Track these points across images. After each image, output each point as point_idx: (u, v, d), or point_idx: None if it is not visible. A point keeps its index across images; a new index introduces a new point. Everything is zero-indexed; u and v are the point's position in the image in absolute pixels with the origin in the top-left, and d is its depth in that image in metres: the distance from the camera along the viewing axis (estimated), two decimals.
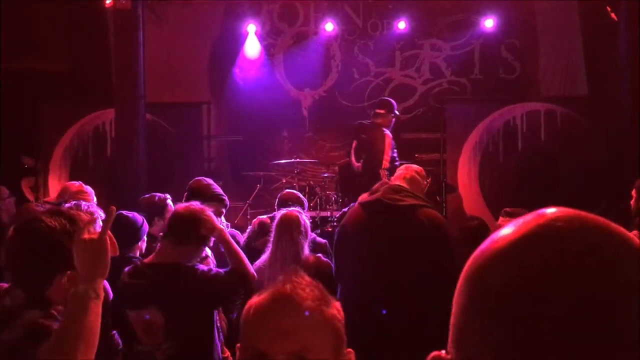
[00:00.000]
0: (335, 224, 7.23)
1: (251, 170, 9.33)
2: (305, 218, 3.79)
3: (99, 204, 4.32)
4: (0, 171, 7.88)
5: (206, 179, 4.10)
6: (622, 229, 0.68)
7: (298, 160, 8.60)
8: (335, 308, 1.29)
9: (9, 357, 1.95)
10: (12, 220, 4.28)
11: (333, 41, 10.30)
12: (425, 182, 3.91)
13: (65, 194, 4.02)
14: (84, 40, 9.51)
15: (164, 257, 3.11)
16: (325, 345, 1.24)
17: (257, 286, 3.65)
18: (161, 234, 3.47)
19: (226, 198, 3.97)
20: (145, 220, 3.90)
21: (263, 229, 4.31)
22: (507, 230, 0.70)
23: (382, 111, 7.76)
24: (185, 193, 4.18)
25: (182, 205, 3.31)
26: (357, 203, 3.90)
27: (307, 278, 1.30)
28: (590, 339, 0.62)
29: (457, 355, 0.70)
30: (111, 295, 2.86)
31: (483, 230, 4.45)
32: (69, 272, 2.05)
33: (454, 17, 10.09)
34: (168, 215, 3.67)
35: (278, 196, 4.87)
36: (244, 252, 3.39)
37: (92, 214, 3.18)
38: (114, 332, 2.92)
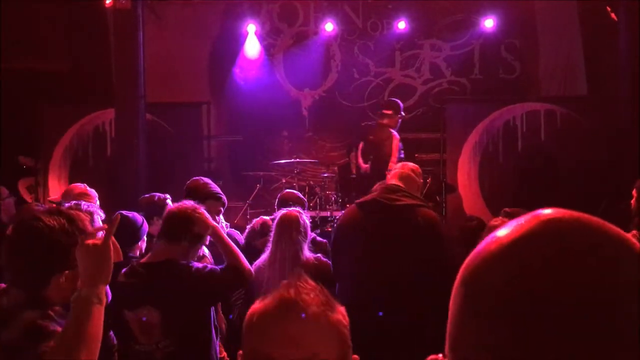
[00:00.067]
0: (335, 224, 7.23)
1: (251, 170, 9.33)
2: (305, 218, 3.78)
3: (99, 205, 4.33)
4: (0, 171, 7.88)
5: (204, 178, 4.10)
6: (620, 230, 0.68)
7: (298, 160, 8.60)
8: (340, 313, 1.26)
9: (6, 357, 1.95)
10: (12, 220, 4.29)
11: (333, 41, 10.30)
12: (421, 180, 3.90)
13: (69, 196, 4.02)
14: (84, 40, 9.51)
15: (159, 256, 3.11)
16: (331, 352, 1.22)
17: (257, 286, 3.67)
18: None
19: (223, 196, 3.96)
20: (145, 220, 3.90)
21: (265, 229, 4.31)
22: (504, 231, 0.70)
23: (389, 112, 7.75)
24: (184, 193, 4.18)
25: (175, 204, 3.31)
26: (353, 203, 3.91)
27: (311, 282, 1.27)
28: (590, 339, 0.62)
29: (454, 358, 0.71)
30: (110, 296, 2.86)
31: (483, 231, 4.44)
32: (67, 271, 2.05)
33: (454, 17, 10.09)
34: None
35: (278, 196, 4.87)
36: (243, 251, 3.39)
37: (91, 213, 3.19)
38: (110, 332, 2.91)
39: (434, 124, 9.77)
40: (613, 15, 8.35)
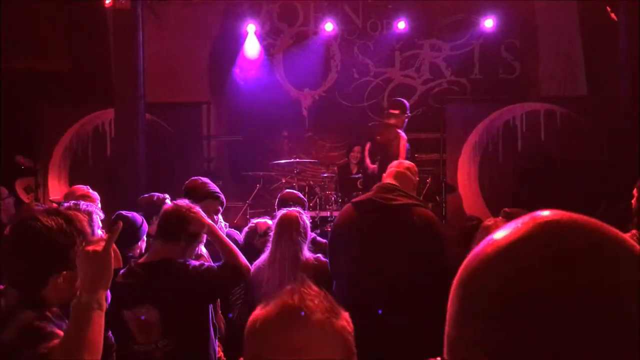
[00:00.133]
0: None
1: (251, 170, 9.33)
2: (305, 218, 3.78)
3: (100, 206, 4.33)
4: (0, 171, 7.88)
5: (202, 178, 4.09)
6: (618, 231, 0.68)
7: (298, 160, 8.60)
8: (345, 319, 1.24)
9: (4, 358, 1.95)
10: (12, 220, 4.29)
11: (333, 41, 10.30)
12: (417, 178, 3.89)
13: (71, 197, 4.03)
14: (84, 40, 9.51)
15: (156, 255, 3.11)
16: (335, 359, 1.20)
17: (257, 286, 3.67)
18: None
19: (221, 195, 3.96)
20: (144, 220, 3.90)
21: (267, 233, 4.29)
22: (501, 233, 0.70)
23: (396, 112, 7.74)
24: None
25: (169, 204, 3.30)
26: (349, 203, 3.90)
27: (315, 287, 1.25)
28: (590, 339, 0.62)
29: None
30: (109, 297, 2.86)
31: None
32: (65, 272, 2.05)
33: (454, 17, 10.09)
34: None
35: (278, 196, 4.86)
36: (243, 251, 3.38)
37: (90, 213, 3.19)
38: (109, 332, 2.92)
39: (433, 124, 9.77)
40: (613, 15, 8.36)
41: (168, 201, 4.16)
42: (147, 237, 3.96)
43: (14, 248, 2.11)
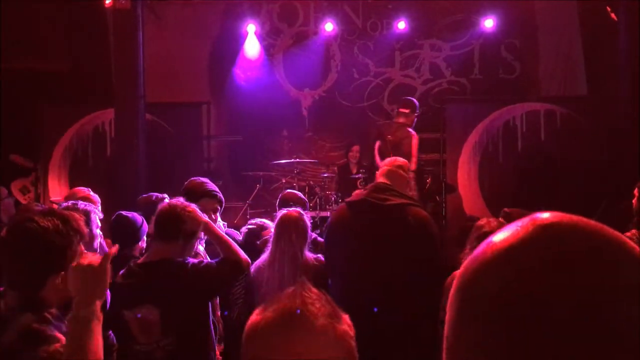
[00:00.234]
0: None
1: (251, 170, 9.33)
2: (305, 218, 3.78)
3: (101, 208, 4.33)
4: (0, 171, 7.89)
5: (201, 178, 4.09)
6: (618, 233, 0.68)
7: (298, 160, 8.60)
8: (346, 323, 1.22)
9: None
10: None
11: (333, 41, 10.30)
12: (410, 175, 3.88)
13: (72, 199, 4.03)
14: (84, 40, 9.51)
15: (155, 255, 3.11)
16: None
17: (257, 285, 3.67)
18: None
19: (219, 194, 3.94)
20: (144, 220, 3.90)
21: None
22: (500, 236, 0.70)
23: (406, 110, 7.73)
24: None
25: (164, 203, 3.29)
26: (343, 202, 3.90)
27: (315, 290, 1.22)
28: (590, 341, 0.62)
29: None
30: (108, 293, 2.86)
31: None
32: (63, 272, 2.05)
33: (454, 17, 10.09)
34: None
35: (279, 196, 4.87)
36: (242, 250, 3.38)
37: (88, 213, 3.19)
38: (110, 332, 2.92)
39: (434, 124, 9.76)
40: (613, 15, 8.36)
41: (166, 201, 4.16)
42: (146, 236, 3.96)
43: (11, 250, 2.11)
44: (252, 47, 10.16)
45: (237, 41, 10.12)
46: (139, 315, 2.98)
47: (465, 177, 9.10)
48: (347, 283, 3.57)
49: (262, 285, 3.62)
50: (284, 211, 3.79)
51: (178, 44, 9.88)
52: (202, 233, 3.30)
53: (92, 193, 4.27)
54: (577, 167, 8.59)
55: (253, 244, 4.19)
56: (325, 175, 8.86)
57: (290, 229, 3.66)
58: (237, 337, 1.26)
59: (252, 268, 3.61)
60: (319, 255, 3.80)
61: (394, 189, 3.63)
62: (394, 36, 10.20)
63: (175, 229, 3.07)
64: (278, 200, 4.76)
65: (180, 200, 3.22)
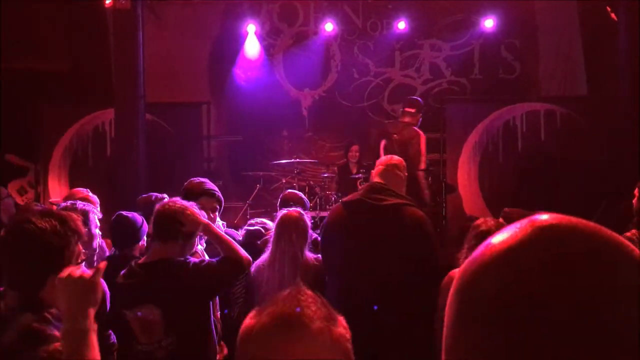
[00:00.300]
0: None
1: (251, 170, 9.32)
2: (306, 219, 3.78)
3: (100, 208, 4.33)
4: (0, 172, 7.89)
5: (200, 178, 4.09)
6: (617, 235, 0.68)
7: (298, 160, 8.60)
8: (342, 326, 1.20)
9: None
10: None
11: (333, 41, 10.30)
12: (405, 174, 3.87)
13: (70, 200, 4.04)
14: (84, 40, 9.51)
15: (156, 255, 3.11)
16: None
17: (257, 285, 3.67)
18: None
19: (218, 192, 3.94)
20: (144, 221, 3.90)
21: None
22: (499, 237, 0.70)
23: (412, 110, 7.72)
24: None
25: (161, 204, 3.28)
26: (339, 202, 3.89)
27: (310, 293, 1.21)
28: (589, 343, 0.62)
29: None
30: (107, 293, 2.86)
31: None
32: None
33: (454, 17, 10.09)
34: None
35: (280, 196, 4.87)
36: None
37: (86, 212, 3.19)
38: (110, 331, 2.92)
39: (434, 124, 9.76)
40: (613, 15, 8.36)
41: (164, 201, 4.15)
42: (146, 237, 3.96)
43: (10, 250, 2.12)
44: (252, 47, 10.16)
45: (237, 41, 10.12)
46: (140, 315, 2.98)
47: (465, 177, 9.11)
48: (343, 283, 3.57)
49: (262, 285, 3.62)
50: (284, 211, 3.79)
51: (178, 44, 9.88)
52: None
53: (90, 194, 4.27)
54: (577, 167, 8.60)
55: (253, 244, 4.19)
56: (326, 175, 8.86)
57: (290, 229, 3.67)
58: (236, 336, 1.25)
59: (253, 268, 3.61)
60: (319, 255, 3.80)
61: (389, 188, 3.62)
62: (394, 36, 10.20)
63: (174, 229, 3.07)
64: (279, 200, 4.76)
65: (177, 200, 3.22)
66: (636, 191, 3.93)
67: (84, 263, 2.94)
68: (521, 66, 10.15)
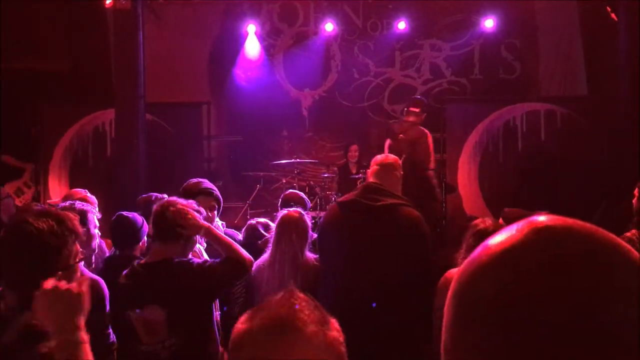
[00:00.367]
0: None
1: (251, 170, 9.33)
2: (306, 219, 3.77)
3: (99, 205, 4.34)
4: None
5: (198, 178, 4.09)
6: (614, 236, 0.69)
7: (298, 160, 8.60)
8: (335, 329, 1.19)
9: (5, 359, 1.95)
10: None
11: (333, 41, 10.30)
12: (401, 172, 3.86)
13: (69, 200, 4.04)
14: (84, 40, 9.51)
15: (158, 255, 3.11)
16: None
17: (257, 285, 3.67)
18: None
19: (215, 191, 3.93)
20: (145, 221, 3.90)
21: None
22: (497, 239, 0.70)
23: (417, 109, 7.71)
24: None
25: (159, 204, 3.26)
26: (334, 203, 3.89)
27: (303, 296, 1.20)
28: (587, 344, 0.62)
29: None
30: (106, 291, 2.87)
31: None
32: (60, 272, 2.06)
33: (454, 17, 10.09)
34: None
35: (281, 196, 4.87)
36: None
37: (85, 212, 3.19)
38: (109, 330, 2.92)
39: (434, 124, 9.75)
40: (613, 15, 8.36)
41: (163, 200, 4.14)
42: (146, 237, 3.96)
43: (8, 251, 2.12)
44: (252, 47, 10.16)
45: (237, 41, 10.12)
46: (143, 315, 2.98)
47: (466, 177, 9.11)
48: (340, 283, 3.58)
49: (263, 285, 3.63)
50: (284, 211, 3.79)
51: (178, 44, 9.88)
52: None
53: (89, 194, 4.27)
54: (577, 167, 8.59)
55: (253, 244, 4.19)
56: (326, 175, 8.86)
57: (290, 229, 3.67)
58: None
59: (253, 267, 3.60)
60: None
61: (384, 188, 3.62)
62: (394, 36, 10.20)
63: (175, 230, 3.07)
64: (280, 200, 4.76)
65: (176, 199, 3.20)
66: (636, 191, 3.93)
67: (82, 263, 2.95)
68: (521, 66, 10.15)
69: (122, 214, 3.89)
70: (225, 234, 3.92)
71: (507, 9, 9.74)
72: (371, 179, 3.71)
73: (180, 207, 3.11)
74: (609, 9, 8.51)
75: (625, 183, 4.67)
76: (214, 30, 10.26)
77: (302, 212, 3.82)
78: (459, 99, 9.96)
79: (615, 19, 8.26)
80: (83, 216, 3.12)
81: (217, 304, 3.70)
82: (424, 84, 10.31)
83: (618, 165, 7.73)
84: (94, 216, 3.32)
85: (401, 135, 7.76)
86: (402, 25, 9.98)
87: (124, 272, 3.14)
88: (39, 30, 9.44)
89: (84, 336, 1.74)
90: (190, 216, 3.09)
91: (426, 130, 7.61)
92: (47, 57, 9.46)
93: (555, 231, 0.68)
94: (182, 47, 9.91)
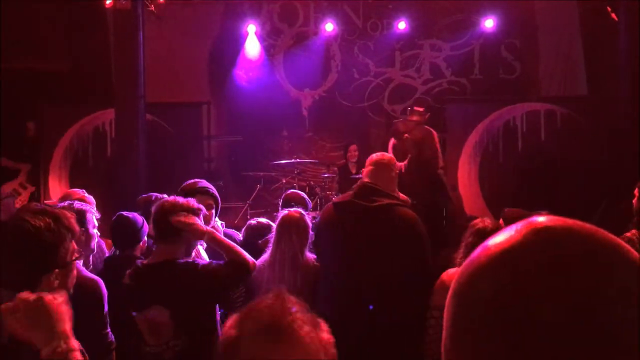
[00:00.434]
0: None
1: (251, 170, 9.32)
2: (306, 219, 3.77)
3: (98, 204, 4.33)
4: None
5: (197, 179, 4.09)
6: (613, 237, 0.69)
7: (298, 160, 8.59)
8: (326, 330, 1.19)
9: (3, 357, 1.95)
10: None
11: (333, 41, 10.30)
12: (396, 171, 3.85)
13: (66, 200, 4.04)
14: (84, 40, 9.51)
15: (161, 256, 3.11)
16: None
17: (257, 285, 3.66)
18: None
19: (211, 189, 3.93)
20: (145, 221, 3.90)
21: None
22: (496, 239, 0.70)
23: (421, 109, 7.72)
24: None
25: (160, 202, 3.25)
26: (330, 203, 3.88)
27: (293, 299, 1.19)
28: (586, 344, 0.62)
29: None
30: (105, 292, 2.86)
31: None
32: (57, 270, 2.08)
33: (454, 17, 10.09)
34: None
35: (282, 196, 4.87)
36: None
37: (83, 213, 3.19)
38: (108, 330, 2.92)
39: (434, 124, 9.74)
40: (613, 15, 8.35)
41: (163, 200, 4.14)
42: (147, 237, 3.96)
43: (5, 250, 2.12)
44: (252, 47, 10.16)
45: (237, 41, 10.12)
46: (152, 316, 2.98)
47: (466, 177, 9.11)
48: (336, 284, 3.58)
49: (263, 286, 3.62)
50: (285, 212, 3.79)
51: (178, 44, 9.88)
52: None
53: (86, 194, 4.27)
54: (577, 167, 8.59)
55: (254, 243, 4.19)
56: (326, 175, 8.86)
57: (291, 229, 3.66)
58: None
59: None
60: None
61: (379, 189, 3.61)
62: (394, 36, 10.20)
63: (177, 232, 3.06)
64: (281, 200, 4.76)
65: (175, 199, 3.20)
66: (636, 191, 3.93)
67: (81, 262, 2.95)
68: (521, 66, 10.15)
69: (122, 214, 3.89)
70: (225, 233, 3.93)
71: (507, 9, 9.74)
72: (366, 179, 3.70)
73: (184, 218, 3.08)
74: (609, 9, 8.51)
75: (625, 183, 4.67)
76: (214, 30, 10.26)
77: (303, 212, 3.82)
78: (459, 99, 9.96)
79: (616, 19, 8.26)
80: (82, 216, 3.12)
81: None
82: (424, 84, 10.31)
83: (618, 165, 7.73)
84: (93, 216, 3.32)
85: (406, 135, 7.74)
86: (402, 25, 9.98)
87: (128, 272, 3.13)
88: (39, 30, 9.44)
89: (74, 344, 1.73)
90: (192, 222, 3.08)
91: (432, 129, 7.60)
92: (47, 57, 9.45)
93: (555, 232, 0.68)
94: (182, 47, 9.90)
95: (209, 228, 3.22)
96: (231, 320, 1.18)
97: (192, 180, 4.01)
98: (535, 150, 8.96)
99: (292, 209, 3.80)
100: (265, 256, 3.76)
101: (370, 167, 3.75)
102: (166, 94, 9.50)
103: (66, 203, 3.35)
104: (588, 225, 0.69)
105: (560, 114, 8.99)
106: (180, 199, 3.18)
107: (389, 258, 3.48)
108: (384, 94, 10.33)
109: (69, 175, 9.23)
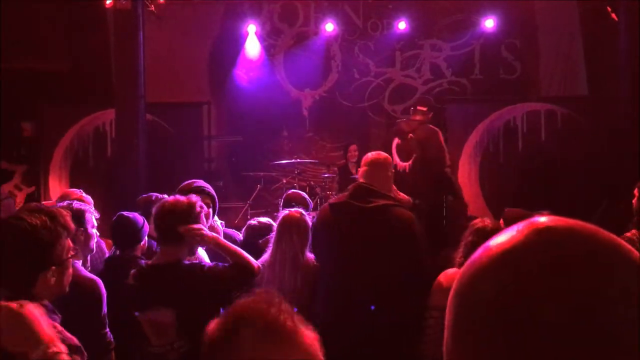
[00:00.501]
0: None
1: (251, 170, 9.32)
2: (307, 219, 3.77)
3: (99, 205, 4.33)
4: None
5: (193, 179, 4.08)
6: (614, 237, 0.68)
7: (298, 160, 8.59)
8: (312, 330, 1.19)
9: (2, 357, 1.95)
10: None
11: (333, 41, 10.30)
12: (392, 171, 3.85)
13: (64, 200, 4.04)
14: (84, 40, 9.51)
15: (165, 257, 3.11)
16: None
17: (257, 285, 3.66)
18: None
19: (207, 188, 3.92)
20: (145, 221, 3.90)
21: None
22: (498, 240, 0.70)
23: (424, 109, 7.71)
24: None
25: (161, 203, 3.24)
26: (326, 204, 3.88)
27: (282, 297, 1.20)
28: (588, 345, 0.62)
29: None
30: (104, 292, 2.86)
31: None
32: (53, 267, 2.09)
33: (454, 17, 10.09)
34: None
35: (283, 196, 4.86)
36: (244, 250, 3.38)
37: (82, 212, 3.19)
38: (107, 329, 2.92)
39: (434, 124, 9.74)
40: (613, 15, 8.35)
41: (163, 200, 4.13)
42: (147, 237, 3.96)
43: (1, 248, 2.12)
44: (252, 47, 10.16)
45: (238, 41, 10.12)
46: (152, 316, 2.98)
47: (466, 177, 9.11)
48: (333, 284, 3.57)
49: (263, 286, 3.62)
50: (285, 212, 3.79)
51: (178, 44, 9.88)
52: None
53: (84, 194, 4.26)
54: (577, 167, 8.60)
55: (254, 243, 4.19)
56: (326, 175, 8.86)
57: (291, 229, 3.66)
58: None
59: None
60: None
61: (375, 189, 3.60)
62: (395, 36, 10.20)
63: (180, 234, 3.06)
64: (282, 200, 4.76)
65: (176, 198, 3.20)
66: (636, 191, 3.93)
67: (80, 261, 2.95)
68: (521, 66, 10.14)
69: (122, 214, 3.89)
70: (225, 233, 3.93)
71: (507, 9, 9.74)
72: (361, 180, 3.69)
73: (190, 226, 3.07)
74: (609, 9, 8.50)
75: (625, 183, 4.67)
76: (214, 30, 10.26)
77: (304, 212, 3.81)
78: (459, 99, 9.96)
79: (616, 19, 8.26)
80: (81, 216, 3.12)
81: None
82: (424, 84, 10.31)
83: (618, 165, 7.73)
84: (92, 216, 3.32)
85: (411, 134, 7.73)
86: (402, 25, 9.97)
87: (132, 272, 3.13)
88: (39, 30, 9.43)
89: (60, 346, 1.72)
90: (196, 229, 3.07)
91: (436, 128, 7.59)
92: (47, 57, 9.45)
93: (556, 232, 0.68)
94: (182, 47, 9.90)
95: (214, 234, 3.23)
96: (219, 319, 1.19)
97: (190, 181, 4.01)
98: (536, 151, 8.96)
99: (292, 209, 3.80)
100: (266, 256, 3.75)
101: (365, 168, 3.74)
102: (166, 94, 9.50)
103: (65, 203, 3.35)
104: (589, 226, 0.69)
105: (561, 114, 8.99)
106: (182, 198, 3.18)
107: (385, 259, 3.47)
108: (385, 94, 10.33)
109: (69, 176, 9.23)
